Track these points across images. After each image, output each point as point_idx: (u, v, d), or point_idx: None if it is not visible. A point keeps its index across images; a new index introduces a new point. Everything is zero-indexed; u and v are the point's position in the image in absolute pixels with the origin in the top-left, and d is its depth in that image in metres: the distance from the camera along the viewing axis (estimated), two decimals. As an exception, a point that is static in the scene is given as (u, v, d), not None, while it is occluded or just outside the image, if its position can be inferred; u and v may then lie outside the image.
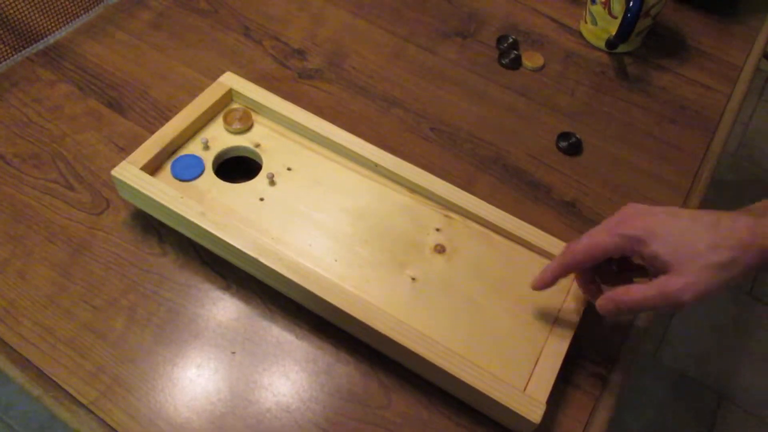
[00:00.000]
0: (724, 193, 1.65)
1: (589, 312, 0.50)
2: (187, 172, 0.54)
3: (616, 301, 0.45)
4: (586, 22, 0.77)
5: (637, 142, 0.68)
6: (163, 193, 0.51)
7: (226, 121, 0.58)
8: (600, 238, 0.45)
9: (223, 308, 0.52)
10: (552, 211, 0.61)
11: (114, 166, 0.52)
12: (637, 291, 0.44)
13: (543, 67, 0.74)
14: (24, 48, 0.67)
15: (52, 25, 0.70)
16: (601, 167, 0.65)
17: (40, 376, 0.47)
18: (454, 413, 0.48)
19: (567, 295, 0.51)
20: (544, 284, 0.48)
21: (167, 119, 0.56)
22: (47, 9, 0.69)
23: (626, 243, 0.44)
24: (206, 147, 0.56)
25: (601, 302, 0.46)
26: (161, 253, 0.54)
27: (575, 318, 0.50)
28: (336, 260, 0.51)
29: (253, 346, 0.50)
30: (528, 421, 0.44)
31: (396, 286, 0.51)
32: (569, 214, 0.61)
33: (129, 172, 0.52)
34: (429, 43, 0.75)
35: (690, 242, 0.42)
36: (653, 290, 0.43)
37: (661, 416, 1.29)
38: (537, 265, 0.52)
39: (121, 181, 0.52)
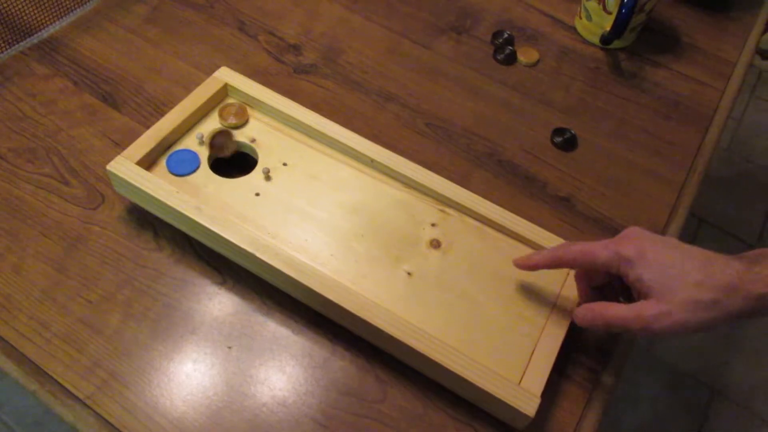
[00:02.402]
0: (717, 189, 1.66)
1: (583, 306, 0.50)
2: (183, 166, 0.54)
3: (594, 313, 0.46)
4: (580, 18, 0.77)
5: (631, 137, 0.68)
6: (159, 187, 0.51)
7: (222, 116, 0.58)
8: (594, 247, 0.46)
9: (219, 303, 0.52)
10: (546, 206, 0.62)
11: (109, 160, 0.52)
12: (614, 308, 0.45)
13: (538, 62, 0.74)
14: (18, 42, 0.67)
15: (46, 18, 0.69)
16: (595, 162, 0.66)
17: (36, 370, 0.47)
18: (450, 407, 0.49)
19: (561, 289, 0.52)
20: (527, 266, 0.49)
21: (162, 114, 0.56)
22: (41, 2, 0.69)
23: (615, 259, 0.44)
24: (202, 142, 0.56)
25: (580, 310, 0.47)
26: (157, 248, 0.54)
27: (570, 311, 0.50)
28: (332, 255, 0.51)
29: (250, 341, 0.50)
30: (523, 415, 0.44)
31: (392, 281, 0.51)
32: (564, 209, 0.61)
33: (124, 166, 0.52)
34: (424, 39, 0.75)
35: (677, 275, 0.42)
36: (629, 312, 0.44)
37: (654, 410, 1.30)
38: (532, 260, 0.53)
39: (116, 175, 0.52)
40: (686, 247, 0.44)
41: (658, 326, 0.42)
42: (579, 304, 0.49)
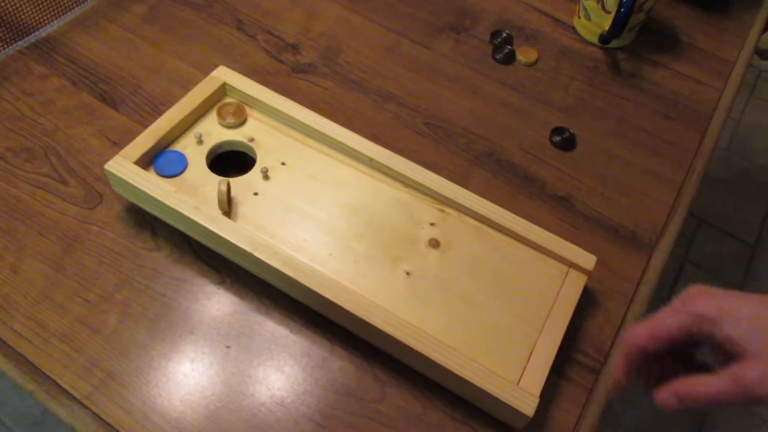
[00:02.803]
0: (716, 188, 1.66)
1: (582, 305, 0.50)
2: (170, 167, 0.54)
3: (681, 396, 0.38)
4: (579, 17, 0.77)
5: (630, 136, 0.68)
6: (157, 187, 0.51)
7: (220, 116, 0.58)
8: (663, 317, 0.39)
9: (218, 303, 0.52)
10: (545, 205, 0.61)
11: (107, 160, 0.52)
12: (705, 383, 0.38)
13: (537, 62, 0.74)
14: (16, 41, 0.67)
15: (45, 18, 0.69)
16: (594, 162, 0.66)
17: (34, 370, 0.47)
18: (449, 407, 0.49)
19: (561, 289, 0.51)
20: (622, 387, 0.42)
21: (160, 113, 0.56)
22: (39, 2, 0.69)
23: (695, 323, 0.38)
24: (200, 141, 0.56)
25: (663, 395, 0.39)
26: (155, 247, 0.54)
27: (569, 311, 0.50)
28: (331, 255, 0.51)
29: (248, 341, 0.50)
30: (521, 414, 0.44)
31: (391, 281, 0.51)
32: (563, 209, 0.61)
33: (122, 166, 0.52)
34: (423, 38, 0.75)
35: (766, 326, 0.37)
36: (726, 382, 0.37)
37: (652, 409, 1.30)
38: (530, 259, 0.53)
39: (114, 175, 0.52)
40: (757, 295, 0.39)
41: (766, 389, 0.36)
42: (651, 387, 0.41)
